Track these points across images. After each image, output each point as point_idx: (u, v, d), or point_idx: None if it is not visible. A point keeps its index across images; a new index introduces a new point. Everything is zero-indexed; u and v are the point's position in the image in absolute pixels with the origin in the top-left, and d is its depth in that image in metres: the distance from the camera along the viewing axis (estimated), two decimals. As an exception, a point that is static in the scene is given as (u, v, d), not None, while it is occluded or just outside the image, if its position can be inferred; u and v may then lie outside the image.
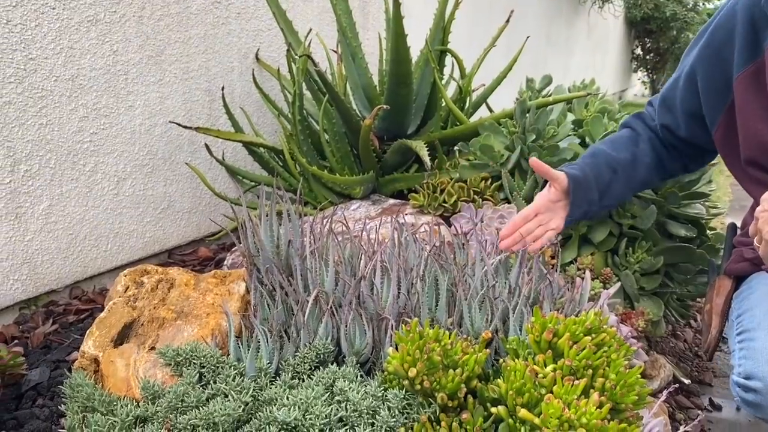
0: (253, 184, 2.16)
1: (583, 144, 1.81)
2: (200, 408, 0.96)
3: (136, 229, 2.04)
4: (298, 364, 1.13)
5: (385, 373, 1.07)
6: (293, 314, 1.24)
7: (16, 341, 1.62)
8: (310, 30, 2.14)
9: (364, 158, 1.96)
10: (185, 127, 1.95)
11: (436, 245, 1.44)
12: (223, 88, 2.12)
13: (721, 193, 3.39)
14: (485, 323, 1.26)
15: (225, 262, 1.85)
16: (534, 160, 1.35)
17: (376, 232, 1.78)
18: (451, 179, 1.88)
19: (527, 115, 1.78)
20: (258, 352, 1.13)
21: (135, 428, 0.97)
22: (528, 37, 2.33)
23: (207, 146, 2.08)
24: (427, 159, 1.69)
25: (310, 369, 1.13)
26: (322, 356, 1.15)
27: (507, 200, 1.84)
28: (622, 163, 1.42)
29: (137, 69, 1.95)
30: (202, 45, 2.16)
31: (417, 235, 1.80)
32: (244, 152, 2.20)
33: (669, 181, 1.67)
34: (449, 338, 1.08)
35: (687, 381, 1.76)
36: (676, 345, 1.97)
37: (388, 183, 2.02)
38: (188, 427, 0.94)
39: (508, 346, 1.15)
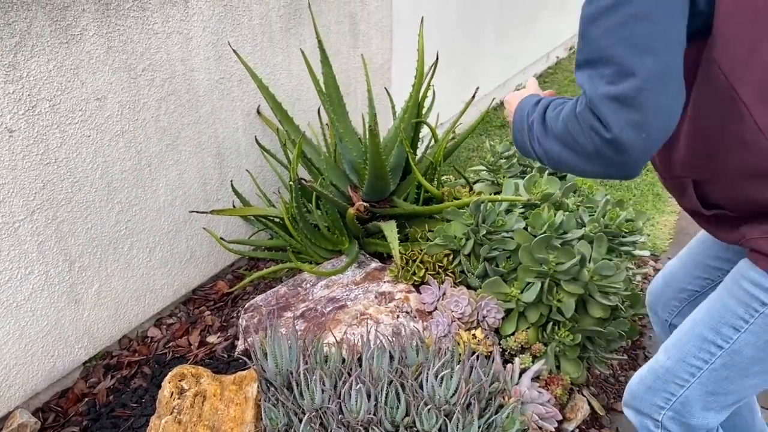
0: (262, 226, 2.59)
1: (526, 228, 2.21)
2: None
3: (167, 282, 2.50)
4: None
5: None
6: (293, 417, 1.73)
7: (86, 399, 2.14)
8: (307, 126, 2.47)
9: (351, 228, 2.38)
10: (202, 212, 2.36)
11: (402, 349, 1.91)
12: (232, 182, 2.49)
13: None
14: (434, 423, 1.75)
15: (240, 322, 2.32)
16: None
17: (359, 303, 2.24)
18: (422, 250, 2.31)
19: (480, 209, 2.17)
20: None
21: None
22: (477, 88, 2.64)
23: (221, 240, 2.49)
24: (398, 259, 2.11)
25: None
26: (313, 461, 1.66)
27: (464, 273, 2.27)
28: None
29: (158, 159, 2.33)
30: (210, 118, 2.51)
31: (392, 304, 2.26)
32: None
33: (591, 268, 2.09)
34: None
35: (602, 413, 2.27)
36: (602, 374, 2.46)
37: (371, 244, 2.45)
38: None
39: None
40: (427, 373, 1.81)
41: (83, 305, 2.18)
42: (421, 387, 1.82)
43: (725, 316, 1.31)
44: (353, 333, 2.11)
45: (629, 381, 1.55)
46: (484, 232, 2.15)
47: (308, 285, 2.40)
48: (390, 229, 2.22)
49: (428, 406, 1.72)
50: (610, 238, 2.23)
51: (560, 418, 2.03)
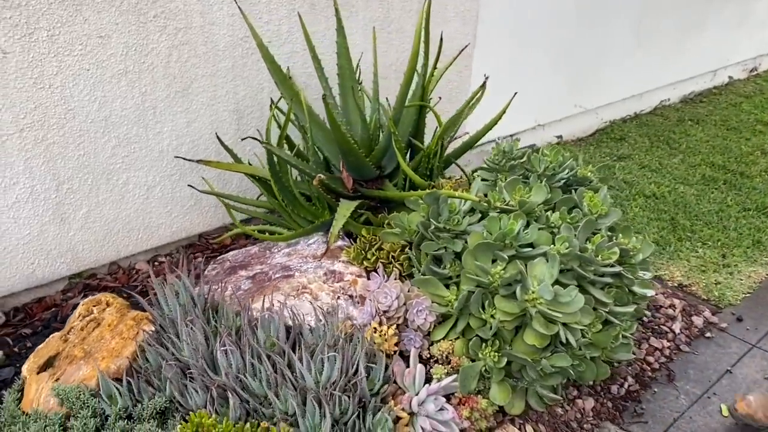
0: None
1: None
2: None
3: (165, 222, 2.63)
4: (140, 413, 1.66)
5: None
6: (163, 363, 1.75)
7: (53, 309, 2.35)
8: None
9: (329, 202, 2.34)
10: (189, 160, 2.45)
11: (299, 327, 1.84)
12: (217, 134, 2.53)
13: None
14: (289, 405, 1.67)
15: (206, 272, 2.39)
16: None
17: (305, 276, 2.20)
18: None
19: (438, 203, 2.01)
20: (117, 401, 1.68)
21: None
22: (515, 93, 2.42)
23: (195, 187, 2.57)
24: (333, 239, 2.04)
25: (149, 416, 1.66)
26: (160, 408, 1.67)
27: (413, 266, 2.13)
28: None
29: (165, 103, 2.45)
30: (230, 74, 2.58)
31: (339, 284, 2.19)
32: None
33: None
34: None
35: (537, 456, 2.01)
36: (567, 413, 2.17)
37: (346, 223, 2.38)
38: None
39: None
40: (301, 355, 1.74)
41: (69, 225, 2.37)
42: (292, 367, 1.75)
43: None
44: (285, 303, 2.08)
45: None
46: (433, 227, 1.99)
47: (276, 249, 2.40)
48: (346, 207, 2.14)
49: (285, 386, 1.65)
50: (583, 264, 1.95)
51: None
